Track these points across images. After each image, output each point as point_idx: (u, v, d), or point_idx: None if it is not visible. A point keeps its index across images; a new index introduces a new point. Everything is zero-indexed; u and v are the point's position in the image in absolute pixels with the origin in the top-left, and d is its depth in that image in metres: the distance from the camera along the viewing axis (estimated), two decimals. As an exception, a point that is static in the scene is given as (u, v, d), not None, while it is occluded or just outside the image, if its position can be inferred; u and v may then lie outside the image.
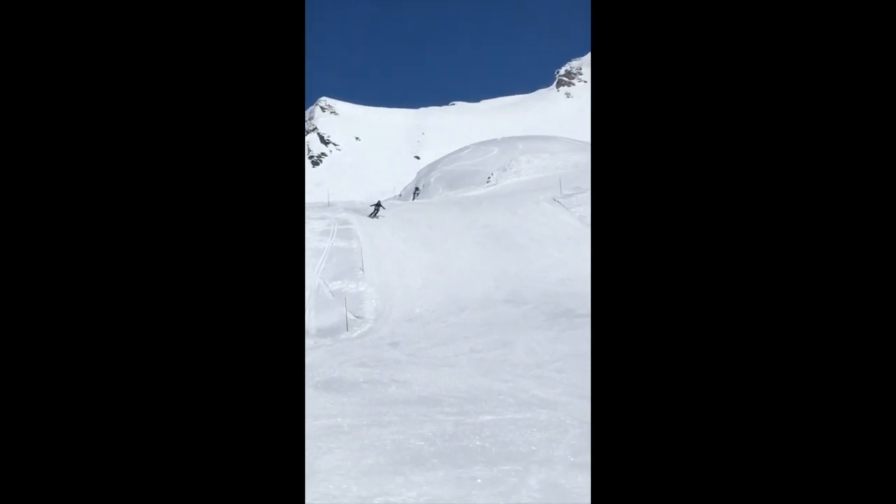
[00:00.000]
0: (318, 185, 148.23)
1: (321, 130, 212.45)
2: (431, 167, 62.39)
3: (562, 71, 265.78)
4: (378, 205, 36.81)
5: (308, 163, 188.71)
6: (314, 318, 23.05)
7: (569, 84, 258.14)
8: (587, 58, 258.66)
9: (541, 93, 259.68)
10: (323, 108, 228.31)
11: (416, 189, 58.76)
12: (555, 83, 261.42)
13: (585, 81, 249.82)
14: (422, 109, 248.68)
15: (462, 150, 62.80)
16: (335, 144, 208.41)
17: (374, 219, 34.35)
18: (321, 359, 15.88)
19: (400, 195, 63.46)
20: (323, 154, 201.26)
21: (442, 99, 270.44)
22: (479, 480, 7.05)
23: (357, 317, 24.16)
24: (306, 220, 30.32)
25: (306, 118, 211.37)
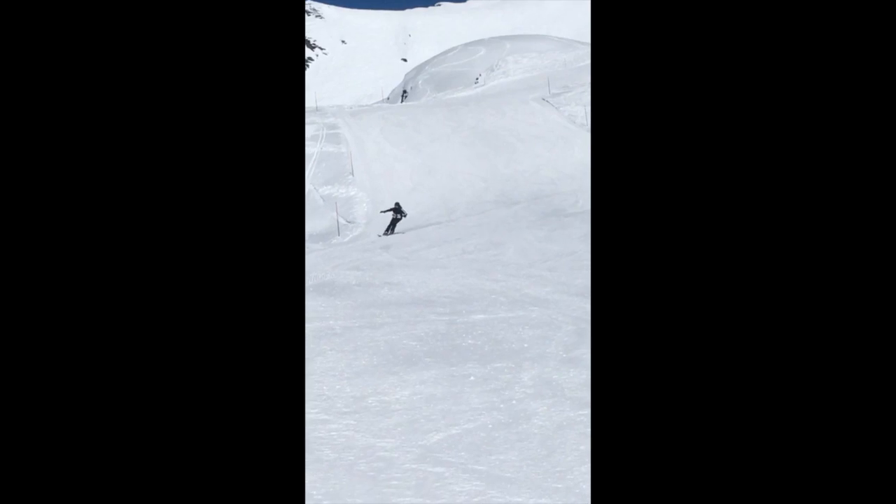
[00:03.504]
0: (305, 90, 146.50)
1: (307, 35, 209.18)
2: (419, 69, 61.64)
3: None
4: (397, 211, 23.79)
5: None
6: (305, 223, 23.03)
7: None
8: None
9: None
10: (308, 12, 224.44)
11: (404, 92, 58.16)
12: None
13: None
14: (408, 11, 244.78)
15: (449, 51, 61.97)
16: (321, 48, 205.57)
17: (389, 234, 23.06)
18: (313, 263, 15.88)
19: (388, 98, 62.83)
20: (309, 59, 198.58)
21: (428, 0, 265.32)
22: (471, 378, 7.09)
23: (348, 221, 24.12)
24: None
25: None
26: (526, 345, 8.10)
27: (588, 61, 47.56)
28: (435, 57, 62.66)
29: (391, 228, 23.76)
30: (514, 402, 6.40)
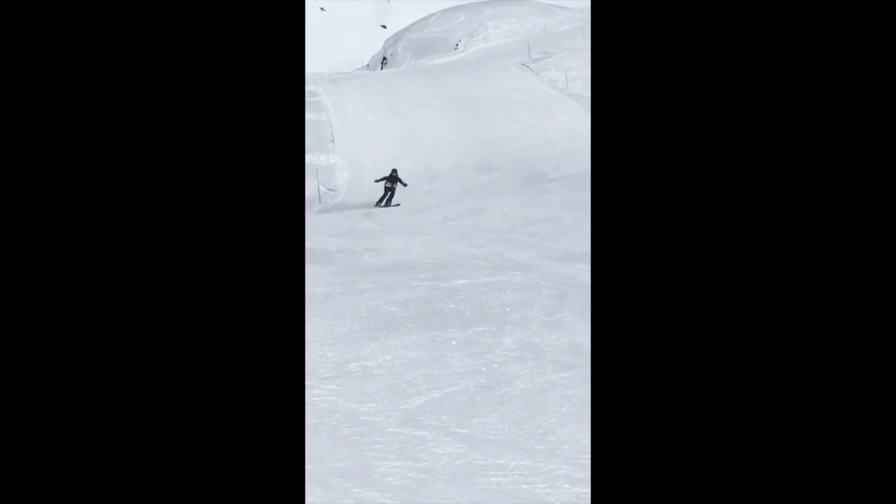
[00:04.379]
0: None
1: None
2: (398, 36, 61.17)
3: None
4: (394, 180, 21.81)
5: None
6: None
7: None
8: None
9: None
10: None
11: (384, 59, 57.76)
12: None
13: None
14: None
15: (428, 17, 61.49)
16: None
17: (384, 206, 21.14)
18: (294, 232, 15.79)
19: (367, 65, 62.45)
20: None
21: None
22: (453, 342, 7.10)
23: (329, 189, 24.03)
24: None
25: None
26: (507, 309, 8.11)
27: (567, 26, 47.36)
28: (414, 23, 62.19)
29: (387, 200, 21.27)
30: (495, 365, 6.42)
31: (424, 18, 62.14)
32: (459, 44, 51.61)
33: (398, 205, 20.92)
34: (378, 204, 21.30)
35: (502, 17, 54.19)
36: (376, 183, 22.39)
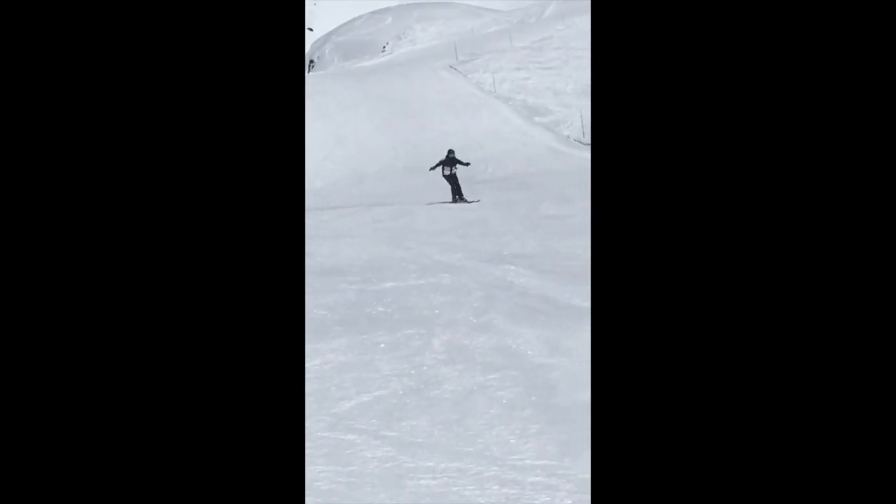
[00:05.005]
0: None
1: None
2: (325, 39, 60.92)
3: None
4: (453, 163, 19.23)
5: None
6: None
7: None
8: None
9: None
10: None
11: (311, 61, 57.44)
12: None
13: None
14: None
15: (356, 19, 61.32)
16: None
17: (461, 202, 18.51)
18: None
19: (294, 68, 61.92)
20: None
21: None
22: (382, 345, 7.08)
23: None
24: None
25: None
26: (436, 311, 8.12)
27: (495, 28, 47.64)
28: (341, 25, 61.99)
29: (459, 192, 18.52)
30: (424, 368, 6.42)
31: (352, 21, 61.97)
32: (387, 46, 51.62)
33: (478, 200, 18.30)
34: (456, 200, 18.67)
35: (430, 19, 54.33)
36: (431, 171, 19.81)
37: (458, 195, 18.93)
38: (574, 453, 4.69)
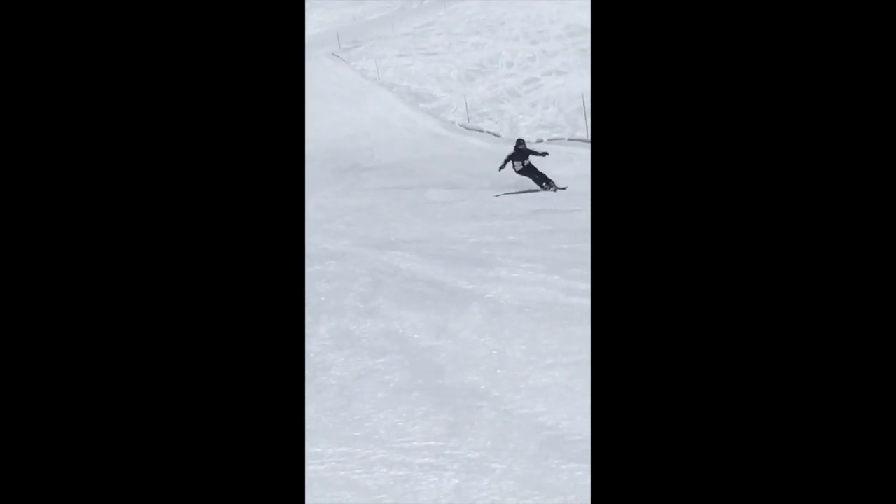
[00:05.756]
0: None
1: None
2: (205, 27, 59.70)
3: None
4: (522, 154, 15.98)
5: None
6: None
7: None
8: None
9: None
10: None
11: (191, 51, 56.29)
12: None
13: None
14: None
15: (236, 7, 60.24)
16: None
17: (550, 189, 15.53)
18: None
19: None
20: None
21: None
22: (268, 335, 6.99)
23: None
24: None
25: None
26: (322, 298, 8.06)
27: (378, 14, 47.48)
28: (221, 14, 60.84)
29: (544, 178, 15.65)
30: (311, 355, 6.37)
31: (232, 9, 60.81)
32: (269, 35, 50.85)
33: (565, 188, 15.37)
34: (544, 186, 15.70)
35: (311, 7, 53.68)
36: (501, 170, 16.23)
37: (545, 182, 15.73)
38: (461, 434, 4.72)
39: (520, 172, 16.02)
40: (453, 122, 26.35)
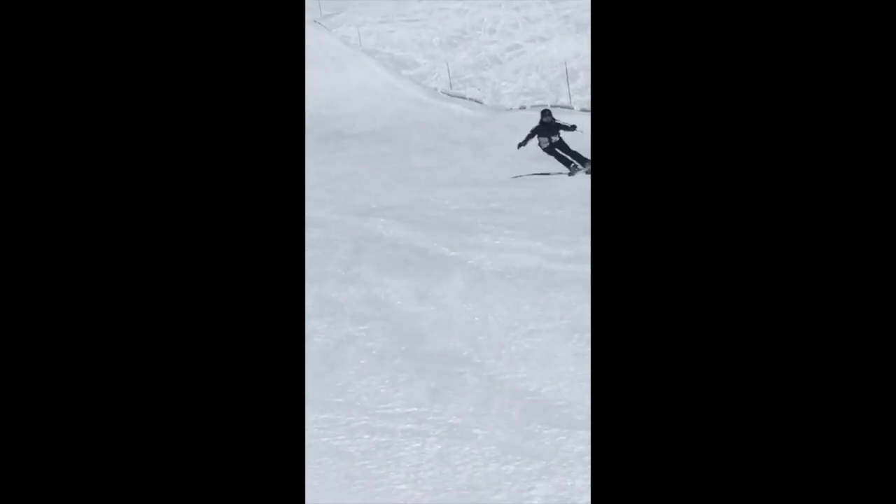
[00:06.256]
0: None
1: None
2: None
3: None
4: (551, 129, 13.38)
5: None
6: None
7: None
8: None
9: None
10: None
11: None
12: None
13: None
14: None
15: (215, -27, 59.65)
16: None
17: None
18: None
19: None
20: None
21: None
22: (250, 303, 6.96)
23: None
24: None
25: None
26: (305, 266, 8.02)
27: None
28: (201, -20, 60.19)
29: (573, 156, 13.06)
30: (293, 322, 6.34)
31: (211, -25, 60.21)
32: (249, 1, 50.36)
33: (587, 168, 12.54)
34: (572, 169, 13.00)
35: (292, -28, 53.18)
36: (520, 147, 13.64)
37: (576, 161, 13.16)
38: (443, 400, 4.72)
39: (546, 150, 13.38)
40: (435, 89, 26.23)
